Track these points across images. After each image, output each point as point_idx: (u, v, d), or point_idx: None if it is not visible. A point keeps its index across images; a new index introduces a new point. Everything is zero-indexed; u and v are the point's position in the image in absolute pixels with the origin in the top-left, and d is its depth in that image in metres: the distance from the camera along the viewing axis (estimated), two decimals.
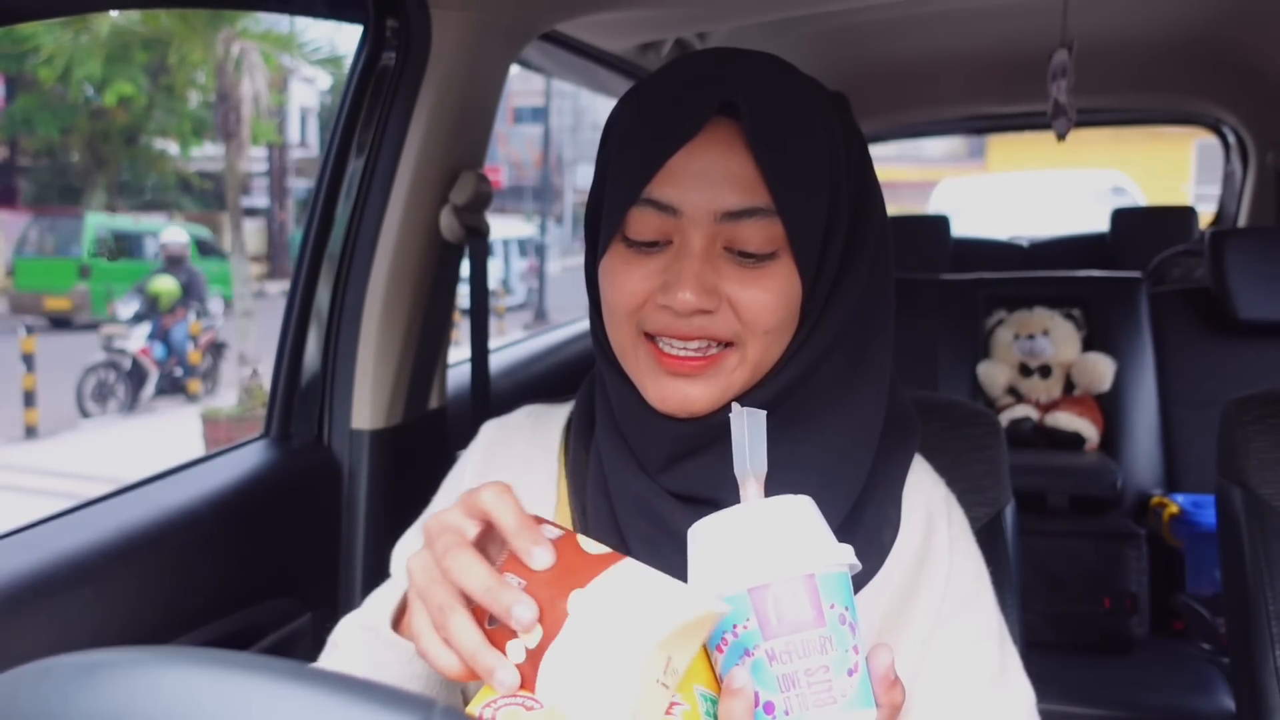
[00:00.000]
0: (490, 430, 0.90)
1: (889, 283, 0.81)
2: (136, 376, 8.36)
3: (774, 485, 0.75)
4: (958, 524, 0.85)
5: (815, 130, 0.74)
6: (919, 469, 0.86)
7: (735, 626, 0.58)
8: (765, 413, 0.62)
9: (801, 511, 0.61)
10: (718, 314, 0.72)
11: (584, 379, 0.88)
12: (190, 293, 9.05)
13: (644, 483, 0.77)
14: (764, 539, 0.59)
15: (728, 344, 0.73)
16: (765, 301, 0.72)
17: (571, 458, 0.84)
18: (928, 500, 0.84)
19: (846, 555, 0.60)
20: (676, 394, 0.73)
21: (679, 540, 0.74)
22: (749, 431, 0.62)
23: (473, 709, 0.56)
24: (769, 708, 0.57)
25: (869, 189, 0.79)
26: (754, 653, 0.57)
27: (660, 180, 0.72)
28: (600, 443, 0.81)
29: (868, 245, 0.77)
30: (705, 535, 0.62)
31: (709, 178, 0.71)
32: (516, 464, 0.87)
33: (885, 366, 0.80)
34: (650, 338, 0.75)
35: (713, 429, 0.74)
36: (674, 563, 0.74)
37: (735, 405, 0.64)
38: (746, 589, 0.57)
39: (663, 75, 0.77)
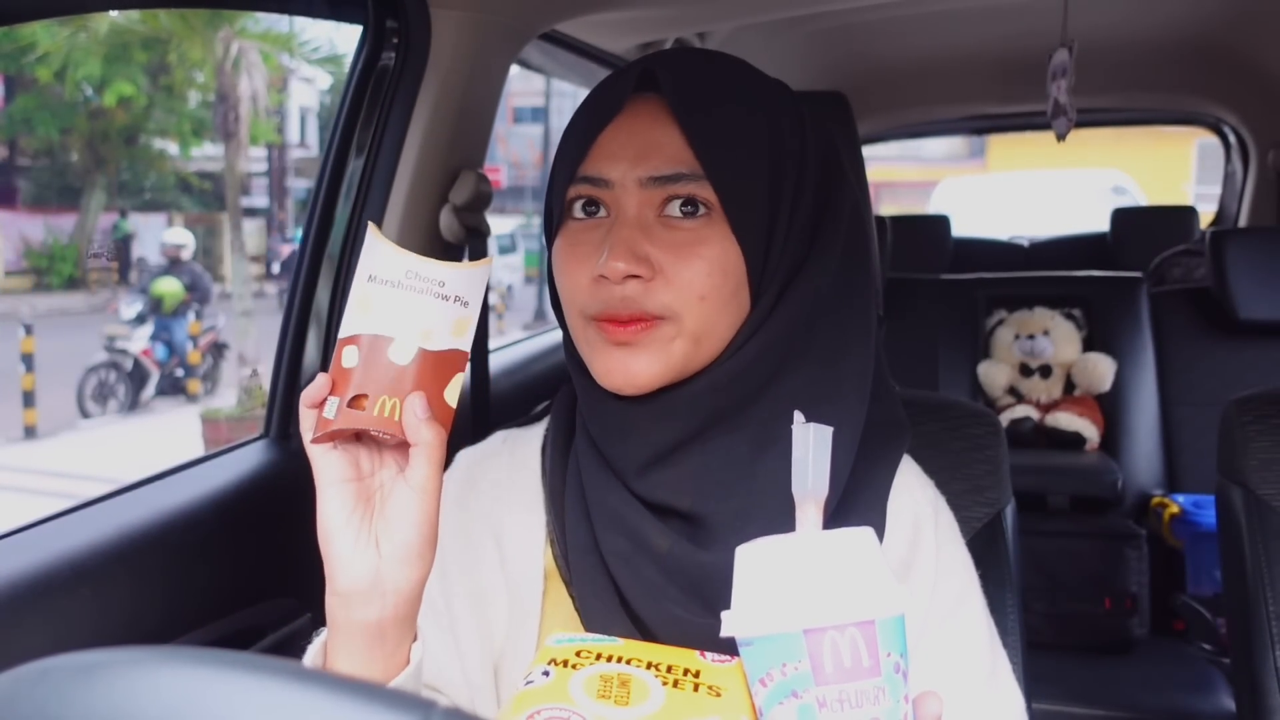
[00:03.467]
0: (466, 458, 0.89)
1: (865, 283, 0.80)
2: (138, 377, 8.36)
3: (748, 488, 0.74)
4: (945, 528, 0.84)
5: (746, 103, 0.74)
6: (907, 471, 0.84)
7: (785, 665, 0.55)
8: (831, 429, 0.59)
9: (863, 547, 0.58)
10: (652, 284, 0.72)
11: (557, 394, 0.88)
12: (195, 293, 9.05)
13: (620, 495, 0.76)
14: (824, 577, 0.56)
15: (660, 319, 0.73)
16: (697, 268, 0.72)
17: (549, 476, 0.83)
18: (914, 504, 0.83)
19: (905, 600, 0.57)
20: (619, 366, 0.73)
21: (654, 555, 0.74)
22: (813, 448, 0.59)
23: (515, 715, 0.55)
24: None
25: (838, 182, 0.78)
26: (802, 696, 0.54)
27: (592, 157, 0.75)
28: (579, 453, 0.80)
29: (835, 237, 0.76)
30: (758, 561, 0.58)
31: (636, 148, 0.74)
32: (497, 488, 0.86)
33: (867, 371, 0.79)
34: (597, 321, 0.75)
35: (677, 427, 0.74)
36: (649, 580, 0.74)
37: (798, 416, 0.60)
38: (802, 630, 0.54)
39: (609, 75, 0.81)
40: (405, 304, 0.63)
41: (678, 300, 0.72)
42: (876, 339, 0.82)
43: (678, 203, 0.73)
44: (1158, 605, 2.22)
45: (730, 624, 0.58)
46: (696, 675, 0.61)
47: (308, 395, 0.64)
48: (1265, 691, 1.19)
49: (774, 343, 0.74)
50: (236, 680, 0.37)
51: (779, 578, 0.57)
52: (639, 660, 0.62)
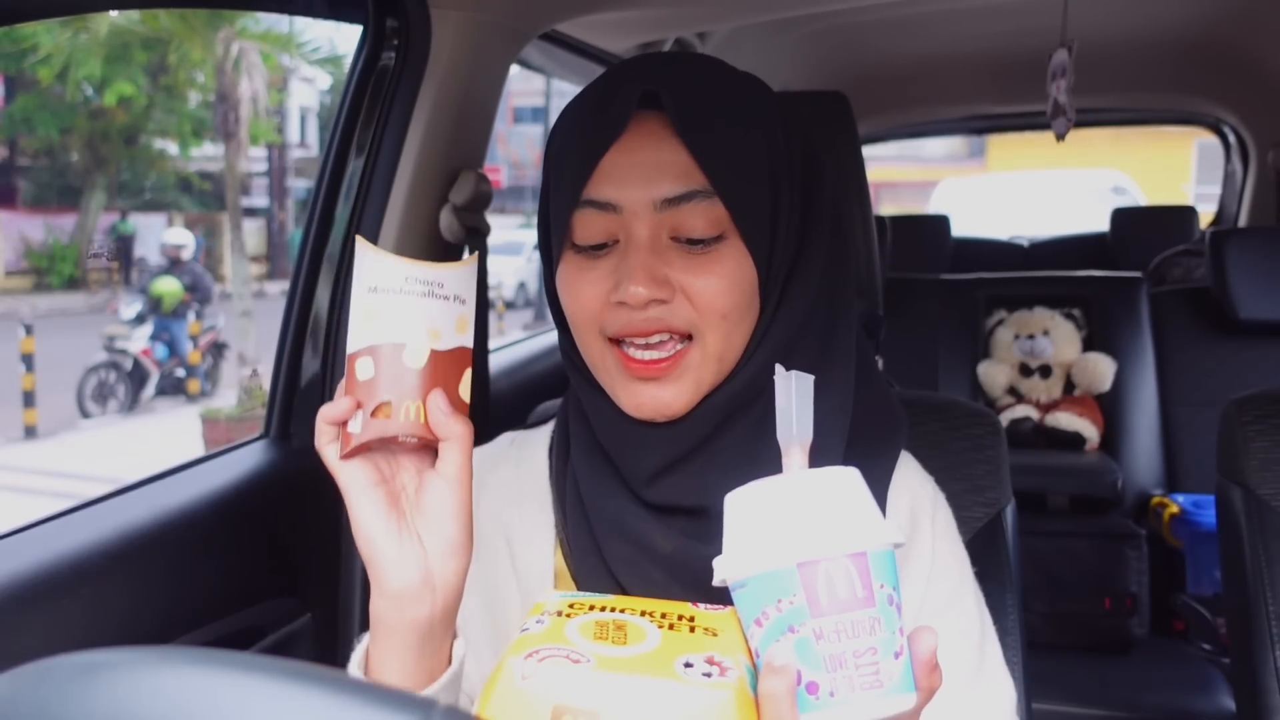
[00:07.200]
0: (474, 459, 0.90)
1: (847, 269, 0.82)
2: (137, 377, 8.36)
3: (749, 474, 0.75)
4: (942, 523, 0.85)
5: (746, 115, 0.75)
6: (906, 467, 0.85)
7: (780, 601, 0.55)
8: (813, 377, 0.60)
9: (850, 484, 0.58)
10: (673, 304, 0.72)
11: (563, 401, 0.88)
12: (196, 293, 9.04)
13: (621, 501, 0.76)
14: (814, 512, 0.56)
15: (687, 337, 0.74)
16: (717, 286, 0.72)
17: (556, 480, 0.84)
18: (913, 498, 0.84)
19: (895, 533, 0.57)
20: (649, 399, 0.74)
21: (657, 558, 0.74)
22: (796, 396, 0.60)
23: (513, 656, 0.56)
24: (812, 688, 0.54)
25: (816, 177, 0.79)
26: (799, 630, 0.55)
27: (597, 180, 0.73)
28: (575, 463, 0.81)
29: (821, 230, 0.78)
30: (746, 504, 0.59)
31: (643, 169, 0.73)
32: (506, 489, 0.86)
33: (850, 348, 0.81)
34: (616, 344, 0.75)
35: (696, 435, 0.75)
36: (654, 581, 0.74)
37: (779, 367, 0.61)
38: (795, 564, 0.55)
39: (593, 84, 0.79)
40: (411, 309, 0.65)
41: (701, 319, 0.73)
42: (878, 338, 0.83)
43: (695, 229, 0.73)
44: (1158, 605, 2.22)
45: (722, 568, 0.58)
46: (691, 620, 0.62)
47: (329, 414, 0.64)
48: (1265, 691, 1.19)
49: (780, 341, 0.76)
50: (236, 680, 0.37)
51: (768, 518, 0.57)
52: (633, 610, 0.62)
